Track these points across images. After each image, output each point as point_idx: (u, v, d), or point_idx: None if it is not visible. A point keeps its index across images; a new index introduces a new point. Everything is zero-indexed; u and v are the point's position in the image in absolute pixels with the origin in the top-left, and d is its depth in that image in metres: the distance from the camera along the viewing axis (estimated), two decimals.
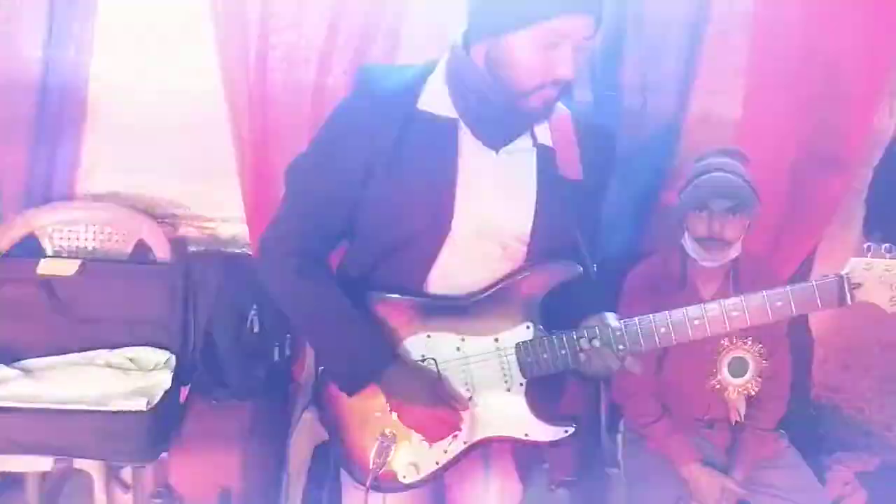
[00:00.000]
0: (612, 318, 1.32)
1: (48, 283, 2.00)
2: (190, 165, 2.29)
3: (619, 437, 1.95)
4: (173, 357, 1.97)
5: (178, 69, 2.21)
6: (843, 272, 1.26)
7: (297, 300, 1.37)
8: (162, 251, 2.19)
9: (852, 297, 1.25)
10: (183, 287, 2.05)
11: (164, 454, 1.84)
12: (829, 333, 2.34)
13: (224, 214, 2.34)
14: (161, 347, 2.01)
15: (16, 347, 1.94)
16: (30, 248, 2.16)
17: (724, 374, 1.79)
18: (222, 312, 2.06)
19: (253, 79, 2.11)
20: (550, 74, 1.22)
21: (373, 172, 1.32)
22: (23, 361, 1.92)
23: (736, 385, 1.79)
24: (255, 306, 2.09)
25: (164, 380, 1.86)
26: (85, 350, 1.96)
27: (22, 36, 2.10)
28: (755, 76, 2.19)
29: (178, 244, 2.29)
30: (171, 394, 1.84)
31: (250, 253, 2.30)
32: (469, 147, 1.34)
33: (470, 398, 1.38)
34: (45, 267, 2.02)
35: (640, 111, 2.20)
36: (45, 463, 1.75)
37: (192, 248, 2.34)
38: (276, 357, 2.15)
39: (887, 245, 1.24)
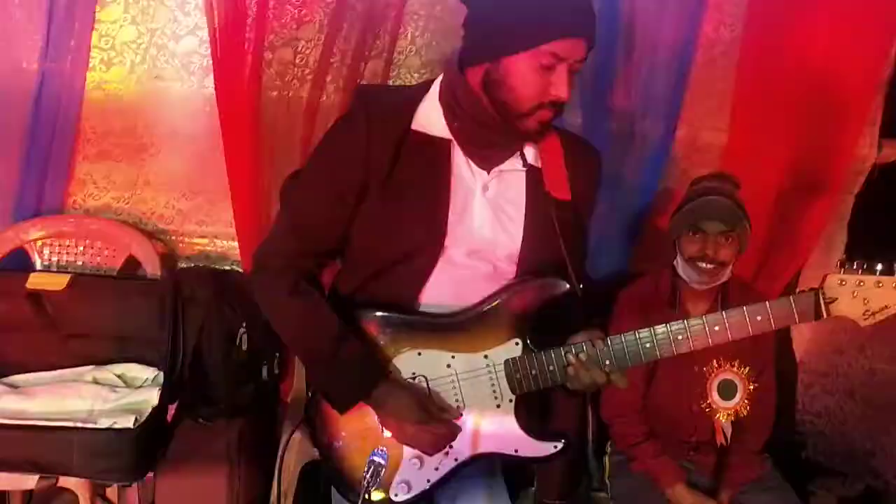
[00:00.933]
0: (598, 335, 1.35)
1: (37, 297, 1.98)
2: (182, 181, 2.30)
3: (606, 458, 1.95)
4: (161, 374, 1.96)
5: (172, 84, 2.22)
6: (818, 287, 1.29)
7: (290, 317, 1.38)
8: (152, 267, 2.18)
9: (828, 311, 1.28)
10: (172, 303, 2.03)
11: (149, 473, 1.82)
12: (812, 358, 2.36)
13: (215, 230, 2.33)
14: (149, 364, 1.99)
15: (2, 362, 1.92)
16: (19, 262, 2.15)
17: (715, 396, 1.80)
18: (212, 330, 2.05)
19: (247, 95, 2.13)
20: (547, 96, 1.25)
21: (367, 191, 1.34)
22: (9, 377, 1.90)
23: (725, 408, 1.81)
24: (244, 324, 2.08)
25: (152, 397, 1.84)
26: (73, 366, 1.94)
27: (19, 48, 2.11)
28: (741, 103, 2.24)
29: (167, 260, 2.28)
30: (158, 412, 1.82)
31: (240, 270, 2.30)
32: (462, 167, 1.37)
33: (460, 415, 1.38)
34: (35, 281, 2.01)
35: (629, 135, 2.24)
36: (29, 481, 1.72)
37: (181, 265, 2.34)
38: (265, 376, 2.14)
39: (859, 261, 1.28)
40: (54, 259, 2.18)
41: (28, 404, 1.78)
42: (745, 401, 1.80)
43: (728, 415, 1.80)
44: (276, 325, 1.40)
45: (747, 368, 1.81)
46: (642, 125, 2.24)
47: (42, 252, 2.17)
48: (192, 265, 2.32)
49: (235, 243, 2.27)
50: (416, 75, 2.27)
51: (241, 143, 2.14)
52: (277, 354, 2.17)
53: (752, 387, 1.80)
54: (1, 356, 1.93)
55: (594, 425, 2.03)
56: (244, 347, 2.08)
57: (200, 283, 2.10)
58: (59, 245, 2.19)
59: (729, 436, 1.82)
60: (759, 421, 1.85)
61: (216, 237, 2.34)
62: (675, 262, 1.84)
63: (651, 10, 2.18)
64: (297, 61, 2.18)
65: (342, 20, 2.12)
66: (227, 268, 2.33)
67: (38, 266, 2.15)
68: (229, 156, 2.15)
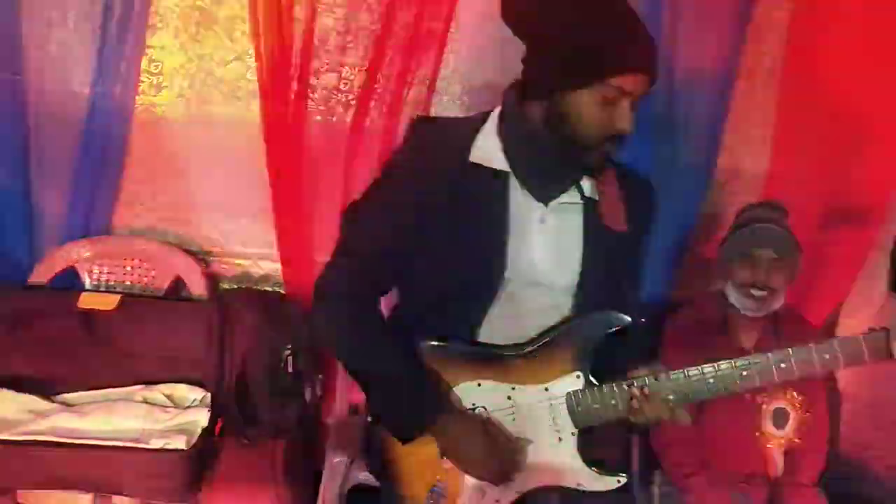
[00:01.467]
0: (660, 369, 1.35)
1: (88, 316, 2.01)
2: (226, 203, 2.32)
3: (654, 489, 1.93)
4: (208, 395, 1.98)
5: (218, 108, 2.26)
6: (887, 326, 1.28)
7: (354, 346, 1.39)
8: (197, 287, 2.20)
9: None
10: (219, 325, 2.05)
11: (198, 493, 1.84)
12: (856, 388, 2.33)
13: (258, 252, 2.36)
14: (195, 384, 2.01)
15: (54, 380, 1.94)
16: (67, 281, 2.18)
17: (768, 425, 1.80)
18: (257, 351, 2.07)
19: (292, 120, 2.16)
20: (611, 129, 1.27)
21: (427, 222, 1.35)
22: (61, 395, 1.92)
23: (778, 437, 1.80)
24: (289, 346, 2.10)
25: (202, 418, 1.86)
26: (122, 385, 1.96)
27: (71, 72, 2.15)
28: (783, 131, 2.25)
29: (211, 281, 2.31)
30: (208, 432, 1.84)
31: (283, 292, 2.32)
32: (519, 200, 1.38)
33: (524, 445, 1.39)
34: (87, 300, 2.03)
35: (671, 162, 2.25)
36: (83, 500, 1.75)
37: (224, 286, 2.36)
38: (309, 397, 2.15)
39: None
40: (102, 279, 2.21)
41: (81, 423, 1.79)
42: (798, 430, 1.79)
43: (780, 444, 1.79)
44: (339, 354, 1.42)
45: (801, 397, 1.80)
46: (684, 152, 2.24)
47: (91, 272, 2.20)
48: (236, 286, 2.34)
49: (278, 265, 2.30)
50: (457, 102, 2.30)
51: (285, 167, 2.17)
52: (321, 376, 2.19)
53: (805, 415, 1.80)
54: (53, 374, 1.95)
55: (639, 454, 2.02)
56: (289, 369, 2.10)
57: (247, 304, 2.11)
58: (107, 265, 2.21)
59: (781, 467, 1.81)
60: (812, 452, 1.84)
61: (259, 259, 2.36)
62: (726, 290, 1.84)
63: (692, 39, 2.19)
64: (342, 87, 2.22)
65: (386, 47, 2.15)
66: (269, 289, 2.35)
67: (88, 286, 2.18)
68: (273, 179, 2.18)
